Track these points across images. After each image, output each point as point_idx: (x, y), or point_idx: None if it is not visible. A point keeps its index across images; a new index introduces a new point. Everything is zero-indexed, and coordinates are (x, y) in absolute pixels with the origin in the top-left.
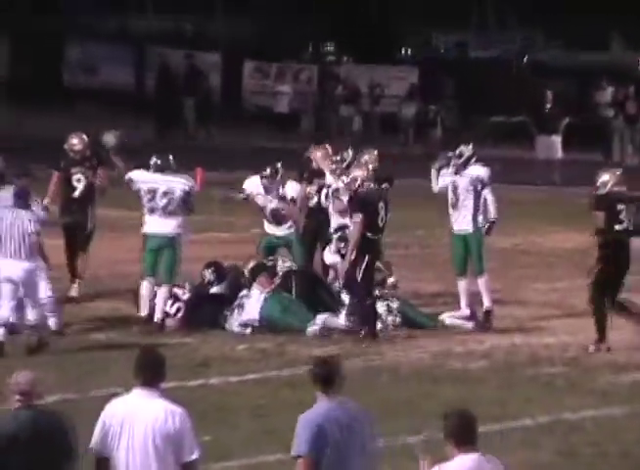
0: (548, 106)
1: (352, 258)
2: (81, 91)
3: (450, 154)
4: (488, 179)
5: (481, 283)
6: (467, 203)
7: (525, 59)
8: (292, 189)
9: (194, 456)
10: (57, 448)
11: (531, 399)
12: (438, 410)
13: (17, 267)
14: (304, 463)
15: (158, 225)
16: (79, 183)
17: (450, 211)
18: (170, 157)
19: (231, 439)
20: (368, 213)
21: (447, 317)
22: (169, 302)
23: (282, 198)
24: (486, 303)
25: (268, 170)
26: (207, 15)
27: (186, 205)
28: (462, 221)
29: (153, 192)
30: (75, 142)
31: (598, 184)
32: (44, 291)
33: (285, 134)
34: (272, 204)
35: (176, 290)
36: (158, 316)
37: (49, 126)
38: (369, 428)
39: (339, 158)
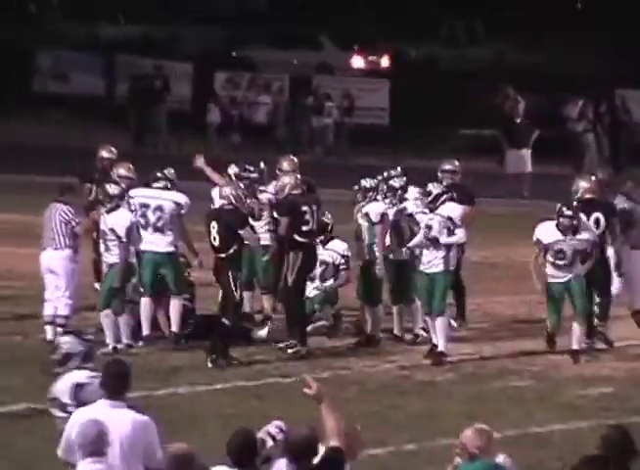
0: (518, 120)
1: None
2: (51, 98)
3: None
4: (460, 220)
5: (440, 322)
6: (439, 244)
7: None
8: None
9: (158, 464)
10: None
11: (499, 413)
12: (405, 423)
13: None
14: None
15: (150, 242)
16: None
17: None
18: (172, 170)
19: (199, 448)
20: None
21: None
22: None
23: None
24: (440, 344)
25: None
26: (178, 24)
27: (177, 220)
28: (433, 262)
29: (145, 207)
30: None
31: (276, 189)
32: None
33: (259, 145)
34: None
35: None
36: (175, 328)
37: (17, 132)
38: None
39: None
